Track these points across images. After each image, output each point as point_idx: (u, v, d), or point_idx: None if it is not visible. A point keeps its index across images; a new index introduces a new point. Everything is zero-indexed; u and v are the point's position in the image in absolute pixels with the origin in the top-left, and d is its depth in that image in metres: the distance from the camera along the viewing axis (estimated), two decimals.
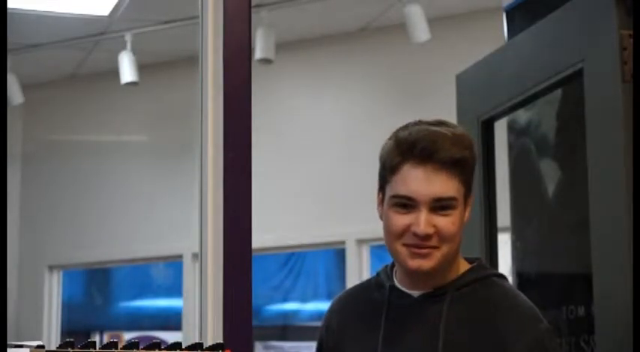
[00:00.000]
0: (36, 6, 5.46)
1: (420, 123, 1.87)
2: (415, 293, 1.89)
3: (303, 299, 7.19)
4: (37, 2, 5.43)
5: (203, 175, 1.70)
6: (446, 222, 1.81)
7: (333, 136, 6.14)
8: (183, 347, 1.46)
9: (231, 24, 1.73)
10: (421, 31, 5.34)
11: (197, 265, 1.79)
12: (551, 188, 2.70)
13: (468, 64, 2.93)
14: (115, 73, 5.88)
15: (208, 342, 1.60)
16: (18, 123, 6.77)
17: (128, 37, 5.85)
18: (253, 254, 1.70)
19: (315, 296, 7.03)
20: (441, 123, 1.86)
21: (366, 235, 5.93)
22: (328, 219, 6.07)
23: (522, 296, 1.90)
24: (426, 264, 1.83)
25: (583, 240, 2.29)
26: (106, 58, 6.17)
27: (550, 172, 2.73)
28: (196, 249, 1.71)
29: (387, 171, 1.86)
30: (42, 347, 1.38)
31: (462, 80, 2.95)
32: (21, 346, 1.37)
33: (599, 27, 2.25)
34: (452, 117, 2.80)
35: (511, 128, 2.87)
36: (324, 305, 7.35)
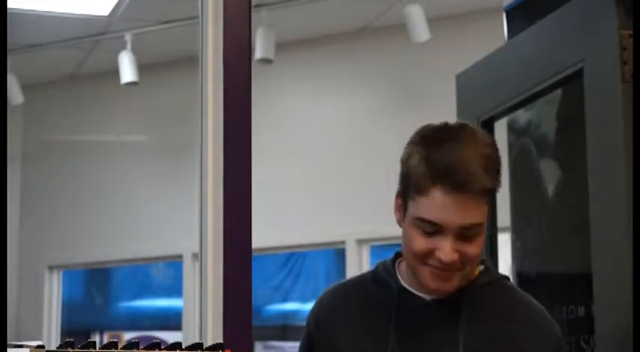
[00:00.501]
0: (36, 6, 5.46)
1: (448, 136, 1.78)
2: (426, 296, 1.85)
3: (303, 299, 7.19)
4: (37, 2, 5.43)
5: (203, 175, 1.70)
6: (471, 248, 1.78)
7: (333, 136, 6.14)
8: (183, 347, 1.46)
9: (231, 24, 1.73)
10: (421, 31, 5.35)
11: (197, 265, 1.79)
12: (551, 188, 2.70)
13: (468, 64, 2.93)
14: (115, 73, 5.88)
15: (208, 342, 1.59)
16: (18, 123, 6.78)
17: (128, 37, 5.85)
18: (253, 254, 1.70)
19: (315, 296, 7.01)
20: (469, 134, 1.79)
21: (366, 235, 5.94)
22: (328, 219, 6.08)
23: (531, 297, 1.91)
24: (447, 286, 1.80)
25: (583, 240, 2.29)
26: (106, 58, 6.17)
27: (550, 172, 2.73)
28: (196, 249, 1.71)
29: (413, 188, 1.78)
30: (42, 347, 1.38)
31: (462, 80, 2.94)
32: (21, 346, 1.37)
33: (599, 27, 2.25)
34: (452, 118, 2.80)
35: (511, 128, 2.87)
36: None
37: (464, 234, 1.76)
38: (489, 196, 1.78)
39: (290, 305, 7.38)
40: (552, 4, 2.49)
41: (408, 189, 1.79)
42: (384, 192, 5.41)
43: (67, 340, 1.39)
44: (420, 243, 1.78)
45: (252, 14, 1.76)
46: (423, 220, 1.76)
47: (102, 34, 5.99)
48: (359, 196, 5.94)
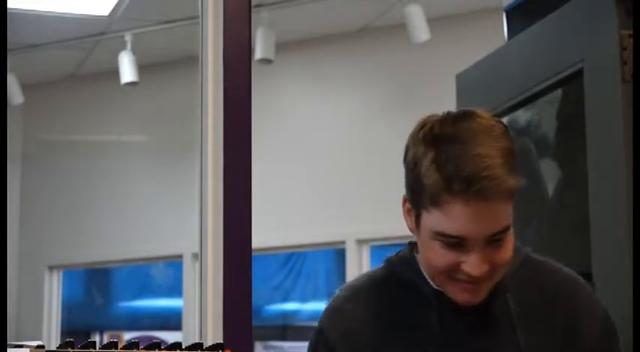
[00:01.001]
0: (36, 6, 5.47)
1: (457, 132, 1.56)
2: None
3: (303, 299, 7.19)
4: (37, 2, 5.43)
5: (203, 175, 1.70)
6: (501, 254, 1.58)
7: (333, 136, 6.14)
8: (183, 347, 1.46)
9: (231, 24, 1.73)
10: (421, 31, 5.35)
11: (197, 265, 1.79)
12: (551, 188, 2.70)
13: (468, 64, 2.93)
14: (115, 73, 5.88)
15: (208, 342, 1.59)
16: (18, 123, 6.78)
17: (128, 37, 5.85)
18: (253, 254, 1.70)
19: (315, 296, 7.03)
20: (481, 125, 1.58)
21: (366, 235, 5.94)
22: (328, 219, 6.08)
23: (563, 268, 1.76)
24: (476, 298, 1.62)
25: (583, 240, 2.29)
26: (106, 58, 6.17)
27: (550, 172, 2.73)
28: (196, 249, 1.71)
29: (426, 198, 1.57)
30: (42, 347, 1.38)
31: (461, 80, 2.94)
32: (21, 346, 1.37)
33: (599, 27, 2.25)
34: None
35: (511, 128, 2.86)
36: (323, 306, 7.33)
37: (491, 241, 1.56)
38: (514, 195, 1.57)
39: (290, 305, 7.38)
40: (552, 4, 2.49)
41: (421, 198, 1.58)
42: (384, 192, 5.40)
43: (67, 340, 1.39)
44: (443, 258, 1.58)
45: (252, 14, 1.76)
46: (444, 235, 1.56)
47: (102, 34, 5.99)
48: (359, 196, 5.94)
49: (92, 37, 6.05)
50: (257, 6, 5.40)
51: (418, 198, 1.58)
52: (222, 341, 1.57)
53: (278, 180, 6.12)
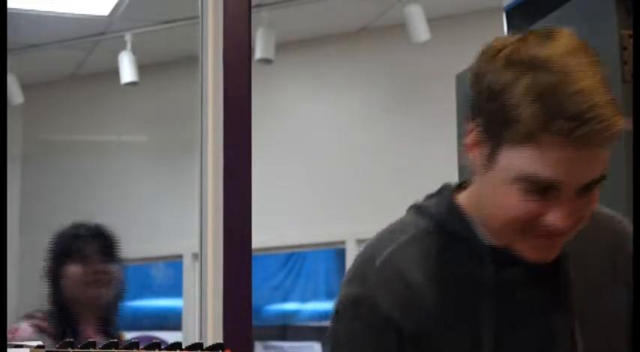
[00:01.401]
0: (36, 6, 5.47)
1: (551, 63, 1.31)
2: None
3: (303, 299, 7.19)
4: (37, 2, 5.43)
5: (203, 175, 1.71)
6: (590, 205, 1.36)
7: (333, 136, 6.14)
8: (183, 347, 1.46)
9: (231, 24, 1.73)
10: (421, 31, 5.35)
11: (197, 265, 1.79)
12: None
13: (468, 64, 2.92)
14: (115, 73, 5.88)
15: (208, 342, 1.60)
16: (18, 123, 6.77)
17: (128, 37, 5.85)
18: (253, 254, 1.70)
19: (315, 296, 7.03)
20: (578, 54, 1.37)
21: (366, 235, 5.89)
22: (328, 219, 6.08)
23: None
24: (550, 255, 1.38)
25: None
26: (106, 58, 6.17)
27: None
28: (196, 249, 1.72)
29: (514, 132, 1.31)
30: (42, 347, 1.37)
31: (462, 80, 2.94)
32: (21, 346, 1.37)
33: (599, 27, 2.25)
34: (452, 117, 2.81)
35: None
36: (324, 305, 7.35)
37: (585, 190, 1.33)
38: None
39: (290, 305, 7.37)
40: (552, 4, 2.49)
41: (504, 132, 1.32)
42: (384, 192, 5.38)
43: (67, 340, 1.39)
44: (523, 205, 1.32)
45: (252, 14, 1.76)
46: (530, 179, 1.31)
47: (102, 34, 5.99)
48: (359, 196, 5.94)
49: (92, 37, 6.05)
50: (257, 6, 5.40)
51: (500, 131, 1.33)
52: (222, 341, 1.57)
53: (278, 180, 6.11)
